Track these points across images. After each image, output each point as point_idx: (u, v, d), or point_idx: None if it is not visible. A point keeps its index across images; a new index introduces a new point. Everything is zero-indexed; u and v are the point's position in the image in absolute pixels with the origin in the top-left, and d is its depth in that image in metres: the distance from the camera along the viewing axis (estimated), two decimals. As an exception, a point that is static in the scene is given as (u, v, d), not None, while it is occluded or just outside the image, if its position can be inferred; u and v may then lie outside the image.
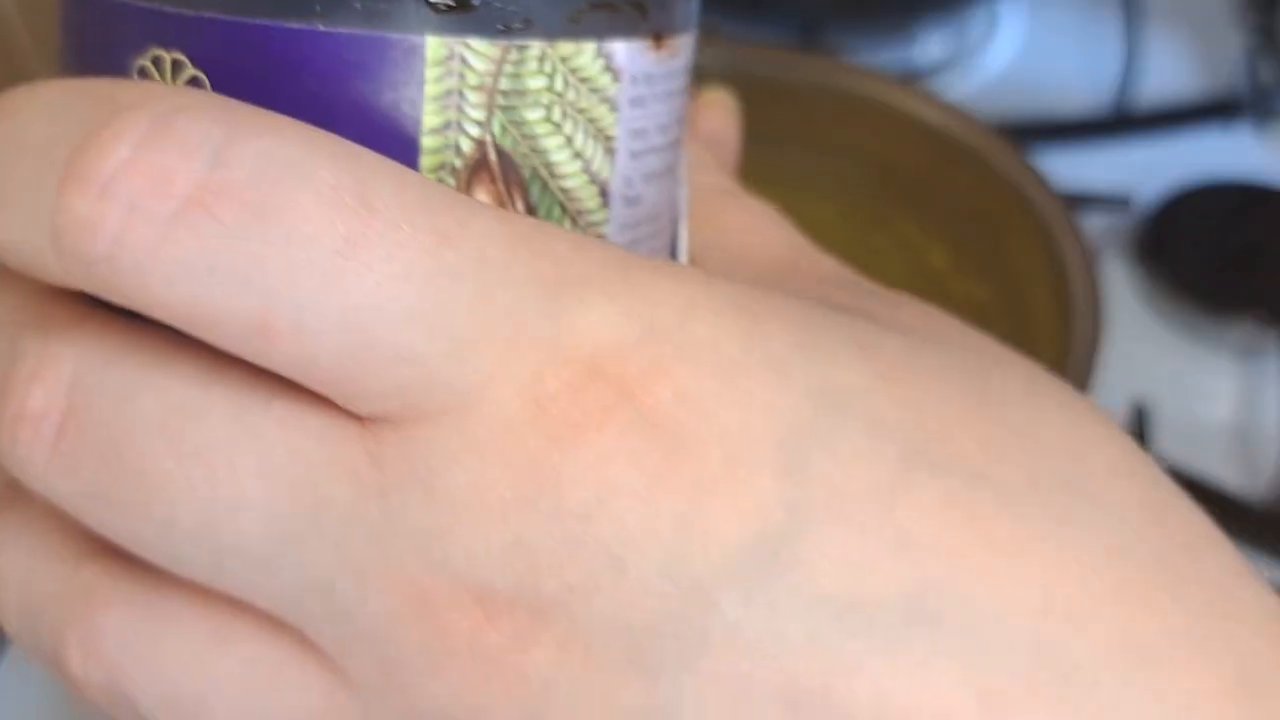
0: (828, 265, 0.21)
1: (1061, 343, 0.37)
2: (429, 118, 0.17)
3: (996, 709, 0.15)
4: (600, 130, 0.18)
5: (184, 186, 0.14)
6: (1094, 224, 0.53)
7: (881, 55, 0.60)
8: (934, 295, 0.47)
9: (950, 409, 0.16)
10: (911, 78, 0.60)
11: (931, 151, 0.43)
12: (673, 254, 0.21)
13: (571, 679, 0.15)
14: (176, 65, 0.16)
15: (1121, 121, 0.59)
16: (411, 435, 0.15)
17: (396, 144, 0.16)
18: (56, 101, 0.15)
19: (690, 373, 0.15)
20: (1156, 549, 0.16)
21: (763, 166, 0.47)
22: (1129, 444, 0.18)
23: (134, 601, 0.17)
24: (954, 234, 0.44)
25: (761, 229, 0.22)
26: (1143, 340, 0.50)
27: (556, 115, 0.17)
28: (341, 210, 0.14)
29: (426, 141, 0.17)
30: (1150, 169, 0.56)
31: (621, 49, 0.18)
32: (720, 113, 0.24)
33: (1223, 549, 0.17)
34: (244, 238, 0.14)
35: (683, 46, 0.19)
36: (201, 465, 0.15)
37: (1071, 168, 0.54)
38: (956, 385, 0.17)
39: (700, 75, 0.46)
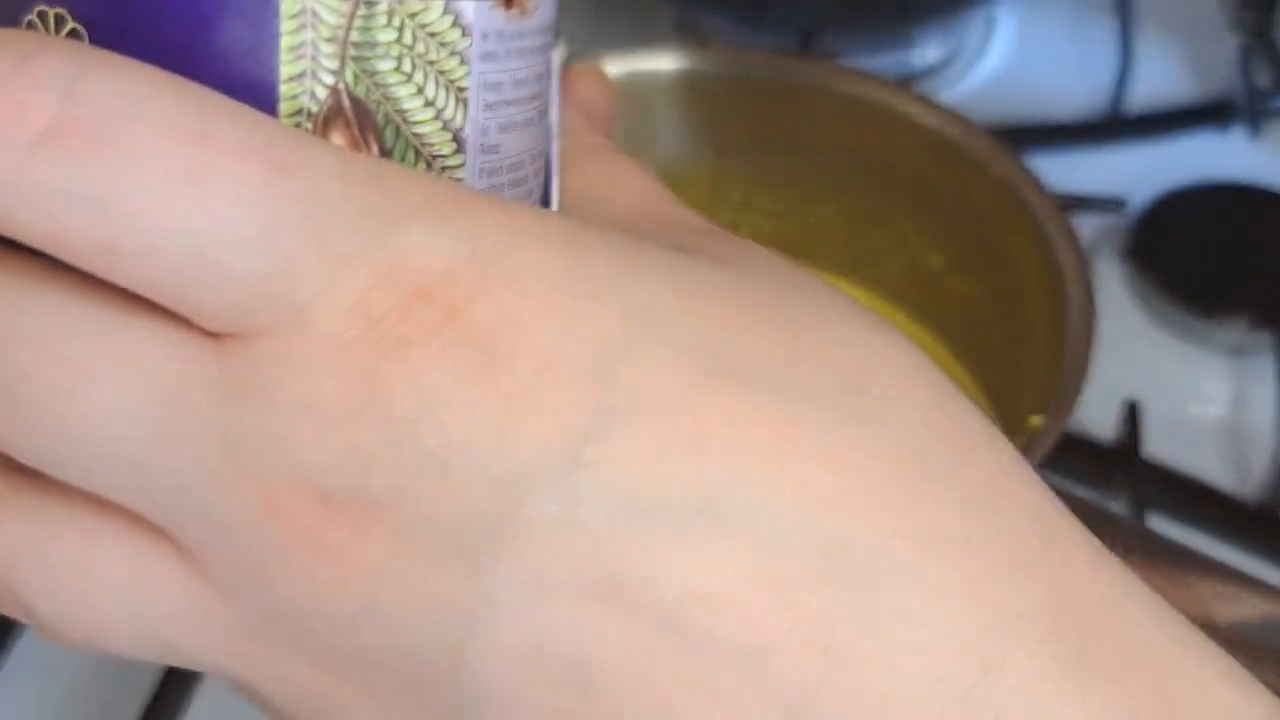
0: (683, 214, 0.23)
1: (1056, 342, 0.38)
2: (285, 67, 0.18)
3: (784, 594, 0.17)
4: (452, 82, 0.19)
5: (39, 119, 0.16)
6: (1088, 225, 0.53)
7: (879, 60, 0.61)
8: (931, 294, 0.48)
9: (751, 327, 0.18)
10: (909, 82, 0.61)
11: (928, 154, 0.44)
12: (544, 204, 0.22)
13: (401, 570, 0.17)
14: (59, 20, 0.18)
15: (1116, 124, 0.59)
16: (254, 349, 0.17)
17: (257, 92, 0.18)
18: None
19: (511, 294, 0.17)
20: (934, 449, 0.18)
21: (763, 169, 0.48)
22: (922, 363, 0.19)
23: (19, 503, 0.19)
24: (951, 235, 0.44)
25: (627, 181, 0.23)
26: (1136, 340, 0.51)
27: (407, 66, 0.19)
28: (182, 142, 0.16)
29: (284, 89, 0.18)
30: (1144, 171, 0.56)
31: (469, 6, 0.19)
32: (592, 81, 0.26)
33: (1000, 452, 0.19)
34: (92, 166, 0.16)
35: (537, 6, 0.20)
36: (70, 374, 0.17)
37: (1066, 170, 0.55)
38: (761, 308, 0.18)
39: (701, 79, 0.46)
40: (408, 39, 0.19)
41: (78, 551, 0.18)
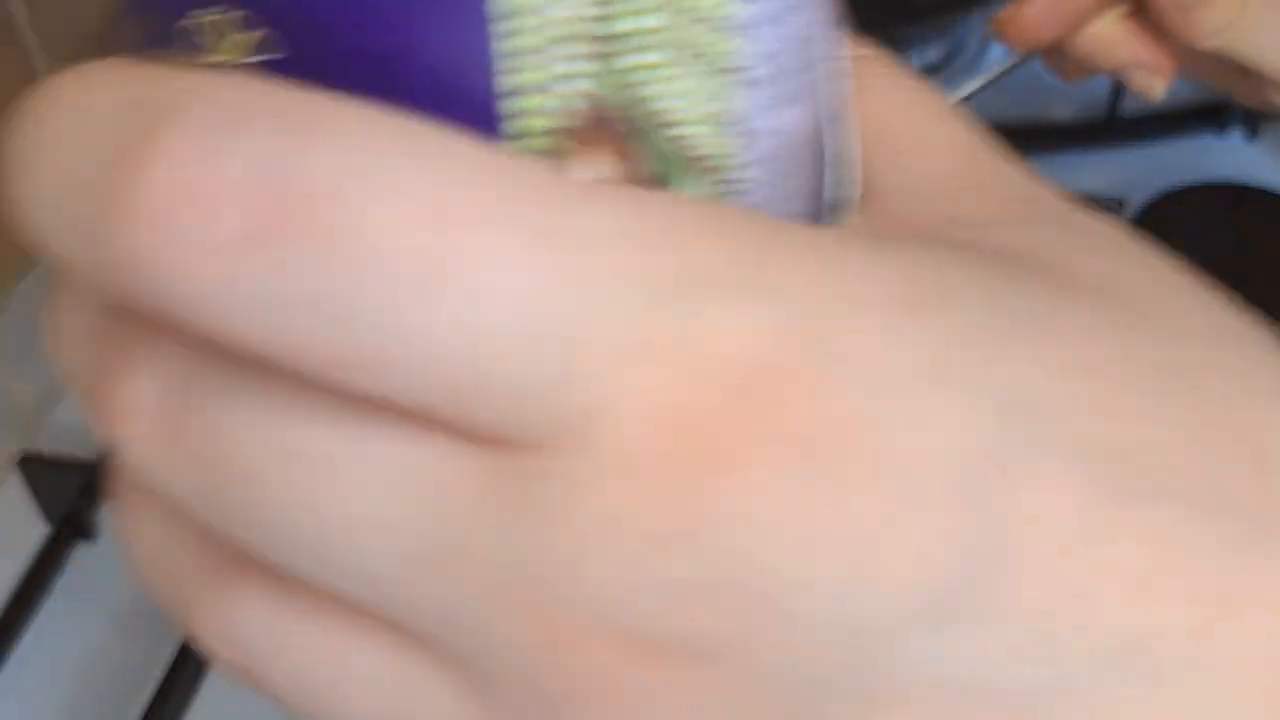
0: (1006, 182, 0.18)
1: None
2: (511, 77, 0.15)
3: None
4: (715, 64, 0.15)
5: (242, 211, 0.12)
6: (1087, 226, 0.53)
7: (878, 60, 0.61)
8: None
9: (1153, 414, 0.14)
10: (907, 82, 0.61)
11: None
12: (847, 172, 0.18)
13: None
14: (237, 23, 0.15)
15: (1114, 126, 0.59)
16: (532, 462, 0.13)
17: (477, 110, 0.15)
18: (91, 101, 0.13)
19: (849, 388, 0.13)
20: None
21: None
22: None
23: (265, 595, 0.16)
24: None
25: (928, 123, 0.19)
26: (1134, 340, 0.51)
27: (667, 57, 0.15)
28: (420, 223, 0.12)
29: (511, 105, 0.15)
30: (1142, 172, 0.56)
31: None
32: None
33: None
34: (312, 266, 0.12)
35: None
36: (310, 477, 0.14)
37: (1065, 171, 0.55)
38: (1161, 382, 0.15)
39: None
40: (658, 22, 0.15)
41: (330, 652, 0.15)
